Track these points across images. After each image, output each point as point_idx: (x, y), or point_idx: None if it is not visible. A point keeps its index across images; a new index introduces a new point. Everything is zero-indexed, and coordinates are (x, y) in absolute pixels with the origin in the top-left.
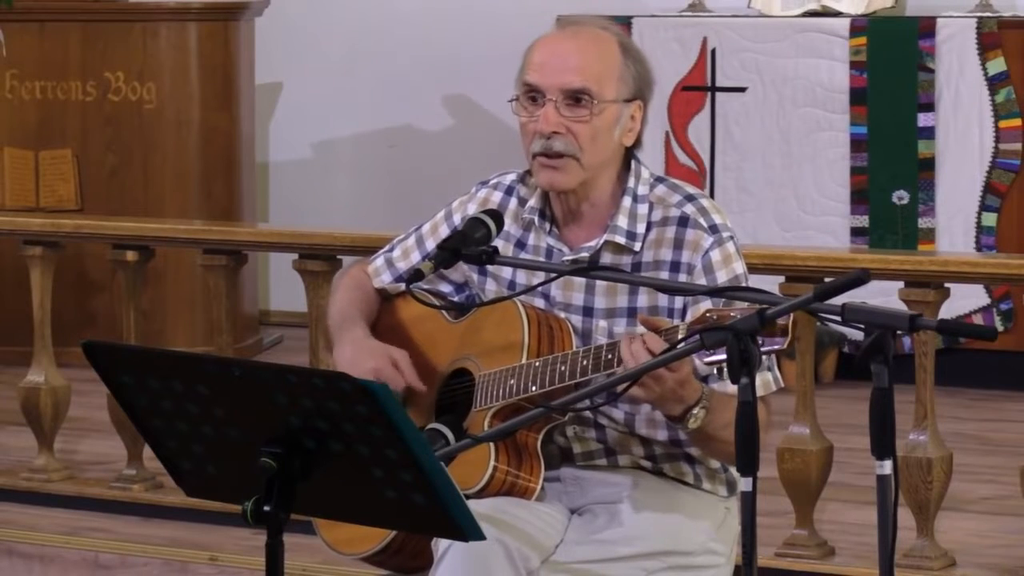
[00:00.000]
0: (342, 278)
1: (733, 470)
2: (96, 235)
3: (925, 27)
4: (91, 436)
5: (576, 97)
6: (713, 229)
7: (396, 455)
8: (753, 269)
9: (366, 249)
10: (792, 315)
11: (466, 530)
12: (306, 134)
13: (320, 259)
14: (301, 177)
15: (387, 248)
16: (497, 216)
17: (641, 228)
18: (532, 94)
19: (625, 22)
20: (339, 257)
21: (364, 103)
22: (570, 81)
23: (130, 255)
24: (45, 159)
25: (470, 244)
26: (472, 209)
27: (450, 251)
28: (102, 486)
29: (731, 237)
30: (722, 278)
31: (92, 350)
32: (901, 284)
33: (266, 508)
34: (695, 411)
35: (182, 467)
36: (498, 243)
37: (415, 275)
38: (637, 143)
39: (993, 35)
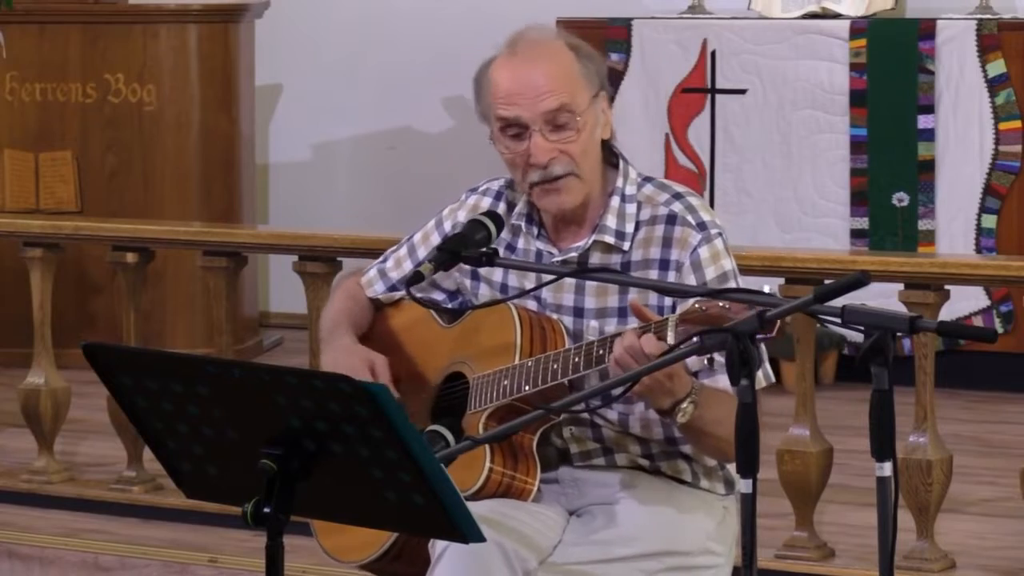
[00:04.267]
0: (336, 290)
1: (731, 467)
2: (96, 237)
3: (925, 29)
4: (91, 438)
5: (558, 119)
6: (701, 226)
7: (396, 456)
8: (753, 271)
9: (366, 251)
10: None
11: (466, 532)
12: (306, 136)
13: (320, 261)
14: (301, 179)
15: (380, 259)
16: (497, 218)
17: (630, 227)
18: (512, 130)
19: (625, 24)
20: (339, 259)
21: (364, 105)
22: (548, 104)
23: (130, 257)
24: (45, 161)
25: (470, 246)
26: (463, 216)
27: (450, 252)
28: (102, 488)
29: (719, 234)
30: (711, 274)
31: (92, 351)
32: (901, 286)
33: (266, 510)
34: (683, 405)
35: (182, 468)
36: None
37: (415, 277)
38: (612, 134)
39: (993, 37)
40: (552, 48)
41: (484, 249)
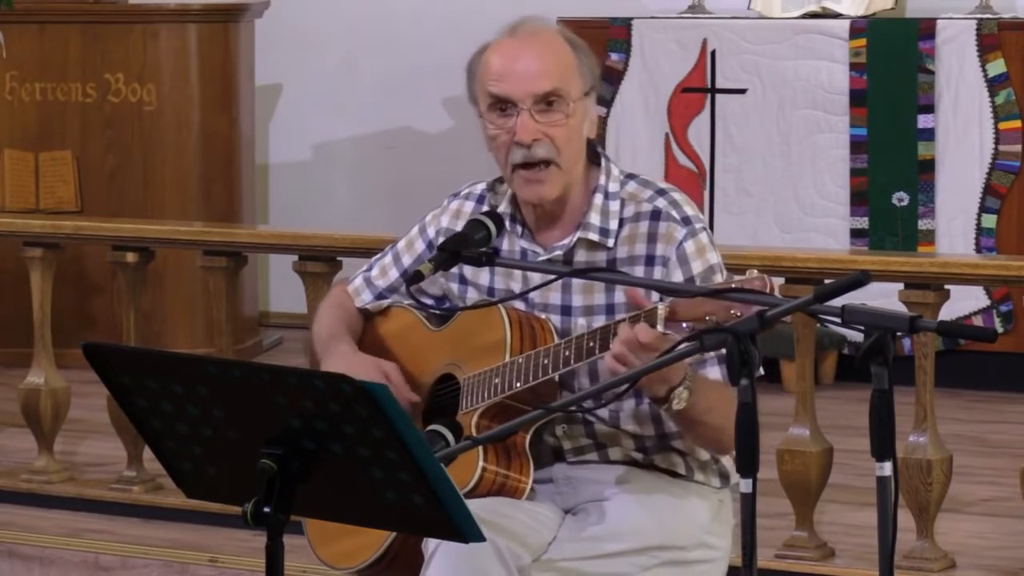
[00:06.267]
0: (324, 300)
1: (725, 460)
2: (96, 237)
3: (925, 29)
4: (91, 438)
5: (548, 101)
6: (686, 221)
7: (396, 456)
8: None
9: (365, 250)
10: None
11: (466, 531)
12: (306, 136)
13: (320, 261)
14: (301, 179)
15: (365, 268)
16: (497, 218)
17: (614, 224)
18: (501, 105)
19: (625, 23)
20: (339, 259)
21: (363, 105)
22: (540, 86)
23: (130, 256)
24: (45, 161)
25: (471, 245)
26: (445, 221)
27: (451, 252)
28: (102, 488)
29: (704, 228)
30: (697, 268)
31: (92, 351)
32: (901, 286)
33: (266, 510)
34: (679, 390)
35: (182, 468)
36: None
37: (415, 276)
38: (596, 135)
39: (993, 37)
40: (550, 36)
41: (484, 249)
